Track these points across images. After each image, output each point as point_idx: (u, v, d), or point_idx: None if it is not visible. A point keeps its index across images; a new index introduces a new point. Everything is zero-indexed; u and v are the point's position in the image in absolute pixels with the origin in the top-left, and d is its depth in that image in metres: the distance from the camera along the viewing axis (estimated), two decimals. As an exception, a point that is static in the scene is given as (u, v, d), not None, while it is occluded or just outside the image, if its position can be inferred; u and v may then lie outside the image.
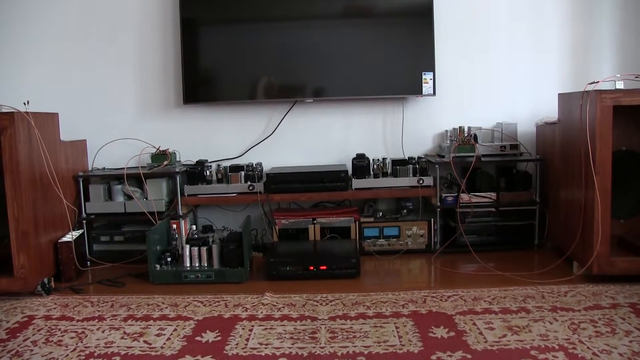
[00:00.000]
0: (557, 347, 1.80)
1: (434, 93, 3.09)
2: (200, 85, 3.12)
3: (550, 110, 3.06)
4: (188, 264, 2.63)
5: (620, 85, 2.32)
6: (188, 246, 2.62)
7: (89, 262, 2.92)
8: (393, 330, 1.98)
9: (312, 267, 2.60)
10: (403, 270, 2.76)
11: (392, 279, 2.61)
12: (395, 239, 2.98)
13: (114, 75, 3.21)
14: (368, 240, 2.98)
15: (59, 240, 2.63)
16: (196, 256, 2.62)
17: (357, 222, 2.96)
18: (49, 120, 2.69)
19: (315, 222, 2.96)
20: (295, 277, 2.59)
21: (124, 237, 3.00)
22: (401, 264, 2.84)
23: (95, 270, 2.85)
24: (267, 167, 3.21)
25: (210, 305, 2.29)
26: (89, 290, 2.55)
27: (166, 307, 2.28)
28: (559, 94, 2.74)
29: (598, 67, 3.17)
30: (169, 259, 2.65)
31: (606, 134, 2.28)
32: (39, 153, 2.52)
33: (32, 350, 1.91)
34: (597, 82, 2.37)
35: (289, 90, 3.13)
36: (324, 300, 2.31)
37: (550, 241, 2.95)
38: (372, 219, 3.00)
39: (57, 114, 2.77)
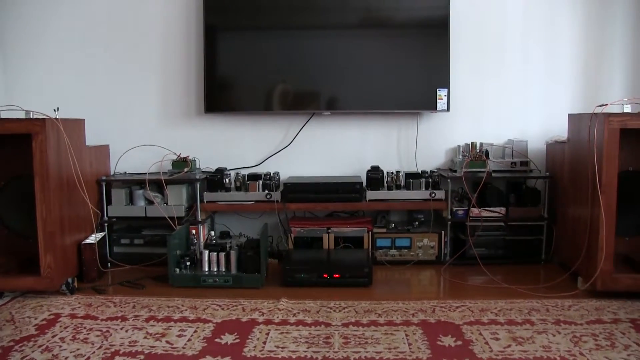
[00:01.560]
0: (558, 358, 1.89)
1: (448, 109, 3.19)
2: (222, 95, 3.24)
3: (560, 129, 3.15)
4: (206, 269, 2.73)
5: (627, 108, 2.41)
6: (207, 251, 2.73)
7: (109, 264, 3.04)
8: (403, 338, 2.07)
9: (325, 275, 2.70)
10: (413, 280, 2.85)
11: (403, 289, 2.70)
12: (406, 250, 3.08)
13: (138, 83, 3.33)
14: (380, 250, 3.08)
15: (83, 242, 2.75)
16: (214, 261, 2.73)
17: (370, 233, 3.06)
18: (76, 126, 2.81)
19: (329, 231, 3.06)
20: (309, 284, 2.69)
21: (143, 240, 3.12)
22: (412, 274, 2.93)
23: (116, 271, 2.97)
24: (284, 176, 3.31)
25: (228, 309, 2.39)
26: (110, 291, 2.66)
27: (186, 310, 2.38)
28: (569, 115, 2.83)
29: (608, 89, 3.25)
30: (187, 263, 2.76)
31: (612, 155, 2.36)
32: (66, 158, 2.64)
33: (60, 346, 2.02)
34: (606, 105, 2.46)
35: (306, 102, 3.24)
36: (337, 307, 2.40)
37: (557, 256, 3.03)
38: (384, 230, 3.10)
39: (84, 120, 2.90)
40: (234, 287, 2.68)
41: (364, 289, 2.67)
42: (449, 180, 3.01)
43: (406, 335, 2.10)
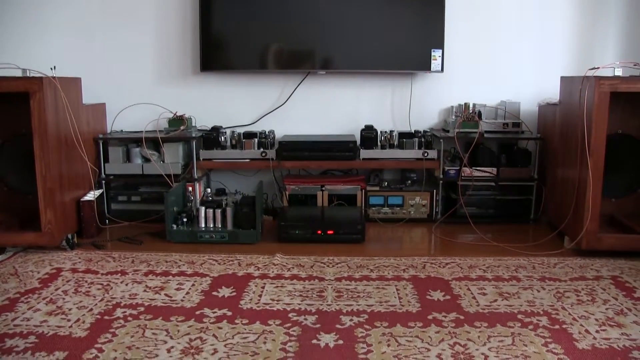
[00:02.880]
0: (541, 312, 1.98)
1: (442, 70, 3.21)
2: (217, 53, 3.24)
3: (553, 92, 3.17)
4: (203, 225, 2.80)
5: (619, 72, 2.44)
6: (203, 208, 2.79)
7: (107, 221, 3.10)
8: (394, 292, 2.16)
9: (319, 232, 2.77)
10: (405, 237, 2.93)
11: (395, 245, 2.78)
12: (398, 208, 3.15)
13: (134, 41, 3.32)
14: (373, 208, 3.15)
15: (82, 199, 2.80)
16: (211, 218, 2.79)
17: (363, 191, 3.12)
18: (73, 85, 2.82)
19: (323, 188, 3.12)
20: (304, 240, 2.76)
21: (141, 197, 3.17)
22: (403, 232, 3.01)
23: (114, 228, 3.03)
24: (279, 134, 3.35)
25: (225, 263, 2.47)
26: (109, 247, 2.72)
27: (183, 264, 2.46)
28: (562, 77, 2.86)
29: (602, 52, 3.28)
30: (184, 220, 2.82)
31: (602, 119, 2.41)
32: (64, 116, 2.66)
33: (64, 298, 2.09)
34: (598, 68, 2.49)
35: (301, 61, 3.25)
36: (330, 263, 2.48)
37: (545, 216, 3.11)
38: (377, 188, 3.16)
39: (80, 78, 2.90)
40: (230, 242, 2.75)
41: (356, 245, 2.74)
42: (441, 140, 3.06)
43: (397, 289, 2.18)
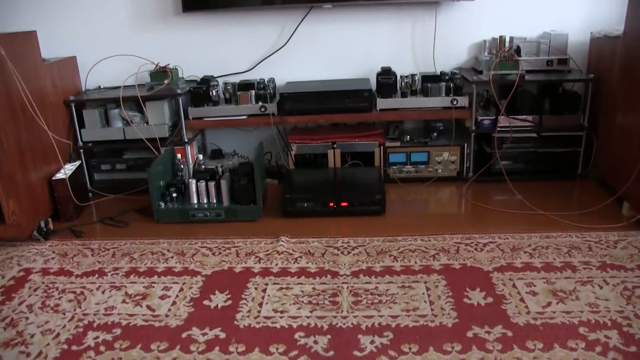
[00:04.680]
0: (609, 324, 1.58)
1: (472, -3, 2.66)
2: (202, -11, 2.71)
3: (607, 21, 2.63)
4: (195, 201, 2.40)
5: None
6: (194, 181, 2.38)
7: (90, 194, 2.71)
8: (424, 293, 1.77)
9: (332, 204, 2.36)
10: (432, 205, 2.51)
11: (420, 218, 2.36)
12: (423, 166, 2.71)
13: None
14: (394, 167, 2.71)
15: (53, 178, 2.39)
16: (204, 192, 2.39)
17: (381, 147, 2.67)
18: (25, 41, 2.34)
19: (335, 146, 2.68)
20: (313, 214, 2.36)
21: (126, 165, 2.76)
22: (430, 196, 2.59)
23: (98, 203, 2.65)
24: (281, 82, 2.87)
25: (220, 253, 2.09)
26: (90, 232, 2.35)
27: (172, 257, 2.08)
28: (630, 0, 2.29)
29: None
30: (174, 195, 2.43)
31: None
32: (14, 83, 2.19)
33: (27, 318, 1.74)
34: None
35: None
36: (345, 248, 2.09)
37: (596, 171, 2.64)
38: (398, 144, 2.71)
39: (35, 31, 2.41)
40: (228, 220, 2.36)
41: (376, 219, 2.34)
42: (473, 85, 2.55)
43: (427, 288, 1.79)
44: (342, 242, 2.13)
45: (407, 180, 2.72)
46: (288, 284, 1.87)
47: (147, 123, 2.65)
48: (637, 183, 2.16)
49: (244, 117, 2.66)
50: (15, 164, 2.15)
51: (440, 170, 2.70)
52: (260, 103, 2.64)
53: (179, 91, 2.60)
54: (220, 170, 2.51)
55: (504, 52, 2.58)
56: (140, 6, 2.81)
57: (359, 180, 2.49)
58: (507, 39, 2.69)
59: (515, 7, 2.77)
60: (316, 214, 2.36)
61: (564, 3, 2.74)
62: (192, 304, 1.77)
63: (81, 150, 2.67)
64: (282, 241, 2.15)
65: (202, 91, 2.66)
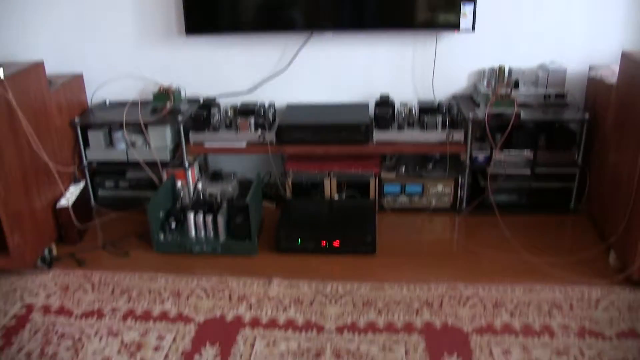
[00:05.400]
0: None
1: (473, 29, 2.62)
2: (203, 13, 2.70)
3: (607, 54, 2.61)
4: (193, 233, 2.48)
5: None
6: (192, 215, 2.45)
7: (94, 211, 2.81)
8: (402, 357, 1.86)
9: (324, 243, 2.43)
10: (422, 242, 2.57)
11: (410, 259, 2.42)
12: (417, 197, 2.75)
13: (110, 1, 2.77)
14: (388, 197, 2.76)
15: (57, 206, 2.48)
16: (202, 225, 2.46)
17: (376, 177, 2.72)
18: (32, 75, 2.35)
19: (331, 175, 2.72)
20: (306, 251, 2.44)
21: (129, 184, 2.84)
22: (422, 230, 2.66)
23: (102, 223, 2.74)
24: (282, 103, 2.90)
25: (214, 297, 2.18)
26: (92, 260, 2.44)
27: (168, 298, 2.18)
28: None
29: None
30: (173, 225, 2.51)
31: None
32: (21, 129, 2.23)
33: (28, 367, 1.86)
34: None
35: (303, 19, 2.70)
36: (333, 295, 2.17)
37: (588, 207, 2.68)
38: (393, 175, 2.75)
39: (42, 62, 2.43)
40: (225, 254, 2.45)
41: (366, 259, 2.41)
42: (469, 121, 2.57)
43: (406, 352, 1.88)
44: (331, 288, 2.22)
45: (401, 210, 2.77)
46: (275, 338, 1.96)
47: (149, 146, 2.70)
48: (624, 235, 2.21)
49: (243, 144, 2.70)
50: (20, 199, 2.24)
51: (434, 202, 2.75)
52: (259, 131, 2.68)
53: (180, 117, 2.64)
54: (219, 198, 2.57)
55: (502, 88, 2.57)
56: (146, 26, 2.81)
57: (352, 218, 2.54)
58: (506, 69, 2.68)
59: (515, 37, 2.74)
60: (309, 251, 2.44)
61: (563, 34, 2.71)
62: (183, 358, 1.88)
63: (86, 169, 2.74)
64: (275, 283, 2.24)
65: (202, 117, 2.70)
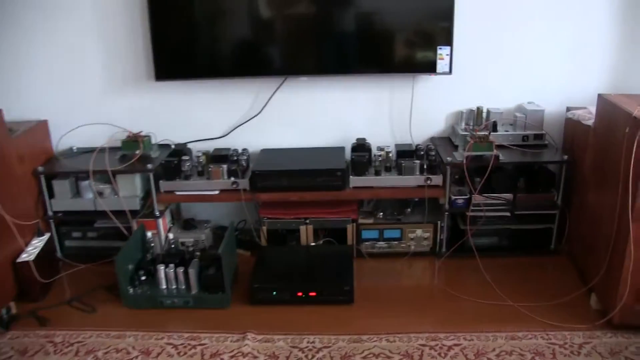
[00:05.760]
0: None
1: (450, 71, 2.61)
2: (174, 60, 2.66)
3: (585, 94, 2.62)
4: (164, 286, 2.37)
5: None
6: (162, 268, 2.35)
7: (60, 264, 2.69)
8: (383, 417, 1.76)
9: (300, 294, 2.34)
10: (402, 289, 2.49)
11: (389, 308, 2.33)
12: (396, 242, 2.69)
13: (77, 47, 2.71)
14: (366, 243, 2.69)
15: (18, 260, 2.36)
16: (172, 278, 2.36)
17: (354, 223, 2.65)
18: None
19: (307, 222, 2.65)
20: (281, 303, 2.35)
21: (97, 233, 2.73)
22: (401, 277, 2.59)
23: (68, 275, 2.62)
24: (256, 147, 2.84)
25: (185, 354, 2.07)
26: (56, 318, 2.31)
27: (137, 357, 2.06)
28: (599, 96, 2.26)
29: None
30: (143, 278, 2.40)
31: (655, 180, 1.88)
32: None
33: None
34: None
35: (278, 64, 2.68)
36: (310, 351, 2.07)
37: (568, 247, 2.65)
38: (371, 220, 2.69)
39: (1, 110, 2.34)
40: (197, 307, 2.34)
41: (344, 310, 2.32)
42: (448, 165, 2.53)
43: (386, 411, 1.79)
44: (308, 342, 2.12)
45: (379, 256, 2.70)
46: (249, 399, 1.86)
47: (118, 195, 2.61)
48: (605, 277, 2.16)
49: (216, 192, 2.63)
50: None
51: (413, 247, 2.69)
52: (233, 179, 2.61)
53: (149, 166, 2.56)
54: (192, 247, 2.48)
55: (480, 131, 2.55)
56: (114, 71, 2.75)
57: (329, 266, 2.47)
58: (484, 111, 2.67)
59: (492, 79, 2.74)
60: (284, 302, 2.34)
61: (540, 76, 2.71)
62: None
63: (51, 220, 2.64)
64: (248, 339, 2.13)
65: (173, 165, 2.62)
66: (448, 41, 2.57)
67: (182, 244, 2.65)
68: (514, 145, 2.63)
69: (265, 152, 2.82)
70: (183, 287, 2.37)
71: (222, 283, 2.31)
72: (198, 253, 2.47)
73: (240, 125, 2.84)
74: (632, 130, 1.90)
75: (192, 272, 2.33)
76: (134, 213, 2.61)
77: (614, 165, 2.05)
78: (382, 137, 2.82)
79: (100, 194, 2.59)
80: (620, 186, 1.98)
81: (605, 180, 2.18)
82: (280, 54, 2.66)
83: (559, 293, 2.36)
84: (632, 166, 1.90)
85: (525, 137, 2.65)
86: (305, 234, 2.66)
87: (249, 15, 2.60)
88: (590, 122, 2.36)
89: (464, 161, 2.49)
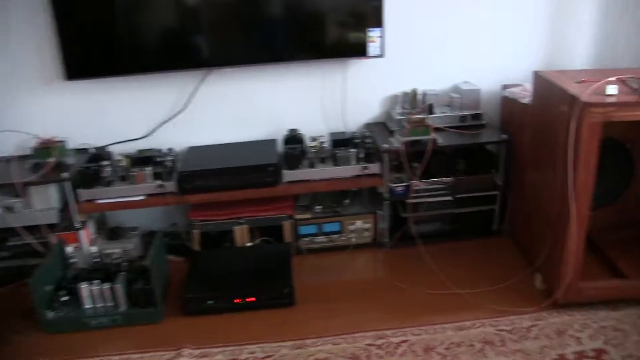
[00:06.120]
0: None
1: (382, 54, 2.50)
2: (86, 54, 2.43)
3: (520, 72, 2.57)
4: (89, 305, 2.18)
5: (613, 90, 1.82)
6: (85, 285, 2.15)
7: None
8: None
9: (238, 300, 2.20)
10: (345, 284, 2.38)
11: (332, 306, 2.22)
12: (336, 235, 2.58)
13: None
14: (305, 239, 2.57)
15: None
16: (98, 295, 2.17)
17: (291, 219, 2.52)
18: None
19: (241, 221, 2.51)
20: (219, 311, 2.20)
21: (8, 253, 2.49)
22: (343, 272, 2.48)
23: (-19, 300, 2.39)
24: (183, 146, 2.66)
25: (114, 379, 1.90)
26: (-34, 349, 2.10)
27: (59, 389, 1.88)
28: (535, 74, 2.19)
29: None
30: (64, 299, 2.20)
31: (590, 158, 1.83)
32: None
33: None
34: (584, 81, 1.86)
35: (199, 56, 2.50)
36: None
37: (511, 229, 2.60)
38: (309, 215, 2.56)
39: None
40: (127, 324, 2.16)
41: (286, 313, 2.20)
42: (384, 152, 2.43)
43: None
44: (248, 353, 1.99)
45: (320, 251, 2.59)
46: None
47: (31, 208, 2.38)
48: (549, 257, 2.12)
49: (141, 197, 2.44)
50: None
51: (354, 239, 2.59)
52: (158, 182, 2.42)
53: (65, 174, 2.34)
54: (119, 260, 2.30)
55: (416, 115, 2.46)
56: (18, 72, 2.49)
57: (267, 267, 2.33)
58: (420, 94, 2.59)
59: (426, 60, 2.65)
60: (221, 310, 2.20)
61: (475, 54, 2.65)
62: None
63: (-44, 244, 2.39)
64: (184, 355, 1.98)
65: (92, 171, 2.41)
66: (379, 22, 2.46)
67: (109, 255, 2.45)
68: (451, 127, 2.55)
69: (192, 150, 2.64)
70: (110, 304, 2.18)
71: (153, 296, 2.14)
72: (126, 264, 2.28)
73: (164, 123, 2.64)
74: (568, 109, 1.84)
75: (119, 287, 2.15)
76: (52, 227, 2.39)
77: (551, 143, 2.00)
78: (316, 126, 2.69)
79: (9, 209, 2.35)
80: (558, 165, 1.93)
81: (543, 158, 2.14)
82: (203, 44, 2.48)
83: (504, 275, 2.32)
84: (571, 146, 1.85)
85: (462, 118, 2.58)
86: (240, 234, 2.51)
87: (166, 2, 2.40)
88: (526, 100, 2.30)
89: (402, 147, 2.39)
